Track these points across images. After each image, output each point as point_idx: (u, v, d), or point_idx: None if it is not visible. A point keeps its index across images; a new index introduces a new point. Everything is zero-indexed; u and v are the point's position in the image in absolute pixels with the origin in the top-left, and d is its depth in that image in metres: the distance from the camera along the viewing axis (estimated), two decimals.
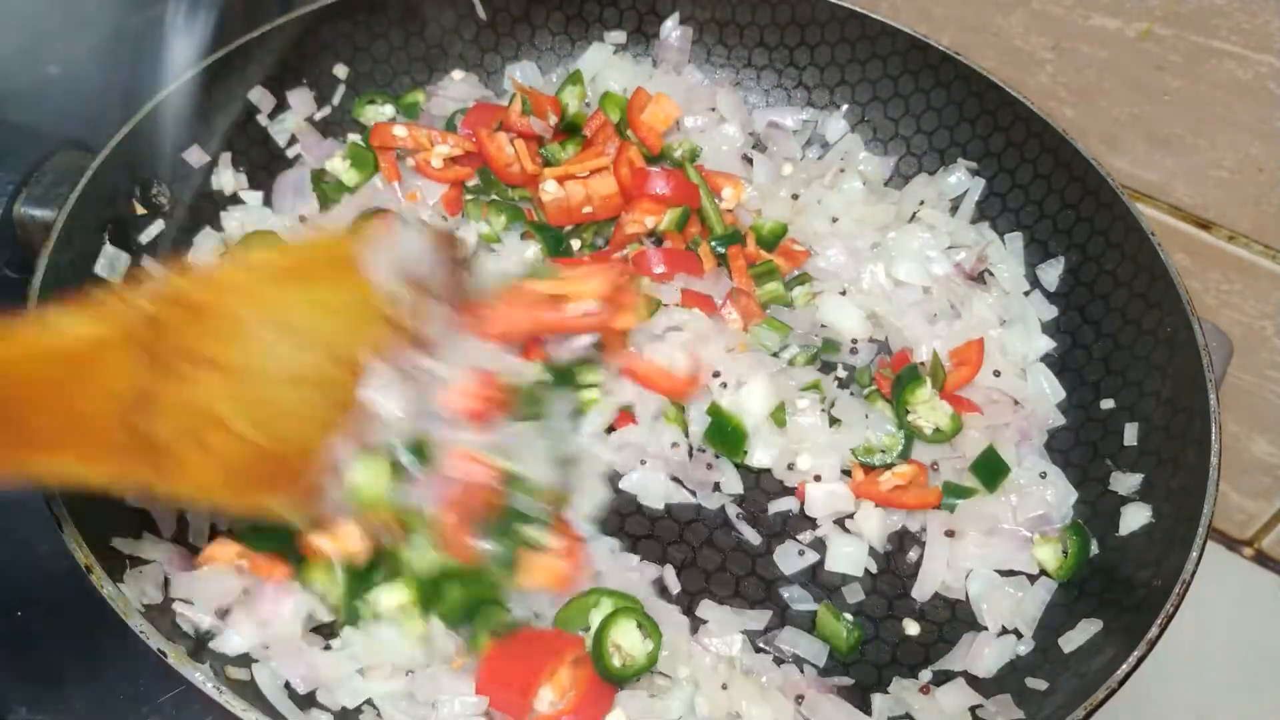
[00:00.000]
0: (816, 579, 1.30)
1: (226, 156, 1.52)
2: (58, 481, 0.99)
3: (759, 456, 1.34)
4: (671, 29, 1.74)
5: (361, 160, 1.57)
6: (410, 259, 1.16)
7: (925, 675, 1.22)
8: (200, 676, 0.98)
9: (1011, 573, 1.29)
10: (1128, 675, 1.07)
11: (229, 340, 1.03)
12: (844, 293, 1.51)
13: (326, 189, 1.56)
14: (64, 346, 0.94)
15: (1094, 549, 1.29)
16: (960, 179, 1.61)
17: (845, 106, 1.73)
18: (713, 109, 1.70)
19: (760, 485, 1.35)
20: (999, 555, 1.29)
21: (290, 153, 1.59)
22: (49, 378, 0.92)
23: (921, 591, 1.28)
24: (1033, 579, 1.29)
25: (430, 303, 1.18)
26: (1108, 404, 1.41)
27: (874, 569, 1.30)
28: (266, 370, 1.05)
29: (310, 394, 1.08)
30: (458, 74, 1.72)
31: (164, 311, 1.00)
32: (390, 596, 1.13)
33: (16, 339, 0.92)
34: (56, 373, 0.92)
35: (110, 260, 1.34)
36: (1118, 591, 1.23)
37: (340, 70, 1.64)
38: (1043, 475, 1.34)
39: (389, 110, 1.65)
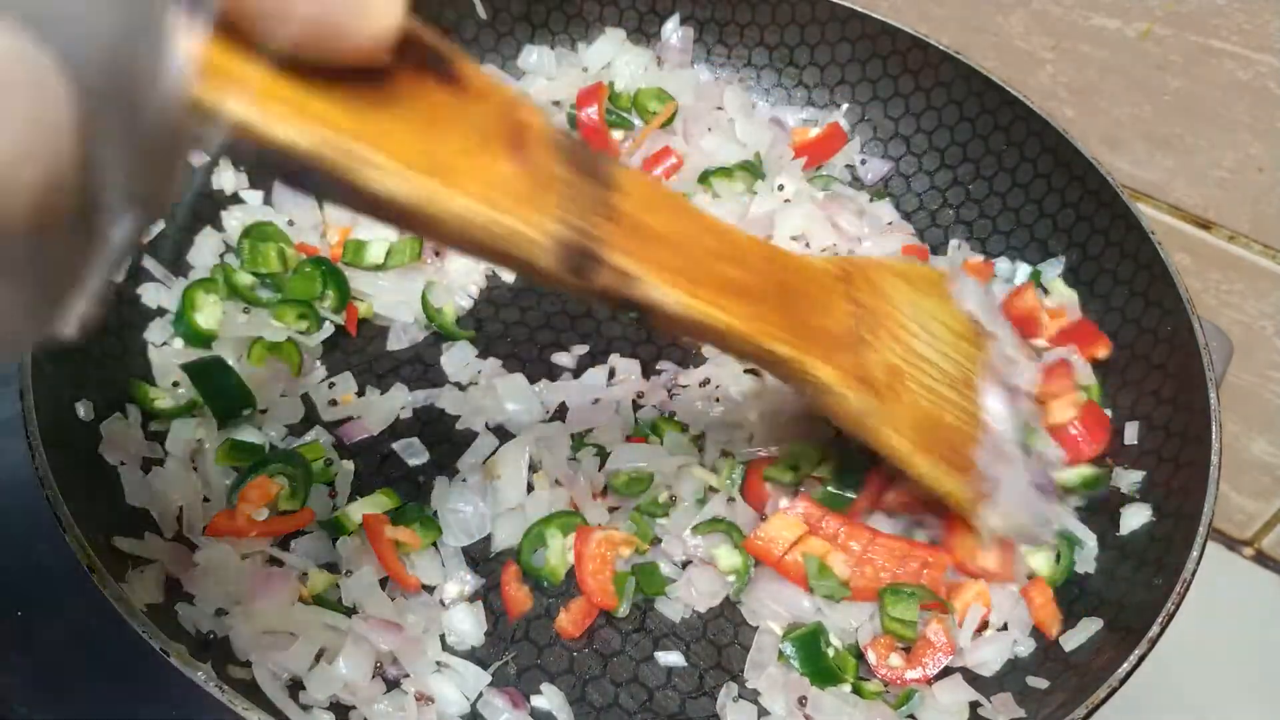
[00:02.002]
0: None
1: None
2: (811, 384, 1.05)
3: None
4: (672, 30, 1.74)
5: None
6: (977, 302, 1.33)
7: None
8: (202, 676, 0.98)
9: None
10: (1129, 674, 1.07)
11: (892, 317, 1.17)
12: None
13: None
14: (809, 269, 1.09)
15: (1095, 548, 1.29)
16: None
17: (845, 106, 1.73)
18: (719, 107, 1.70)
19: None
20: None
21: None
22: (809, 288, 1.07)
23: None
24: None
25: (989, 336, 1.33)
26: (1107, 402, 1.41)
27: None
28: (920, 351, 1.18)
29: (951, 388, 1.20)
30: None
31: (854, 277, 1.14)
32: None
33: (787, 255, 1.07)
34: (811, 286, 1.07)
35: None
36: (1118, 590, 1.23)
37: None
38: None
39: None
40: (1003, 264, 1.59)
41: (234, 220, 1.49)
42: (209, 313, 1.38)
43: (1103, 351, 1.42)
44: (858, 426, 1.09)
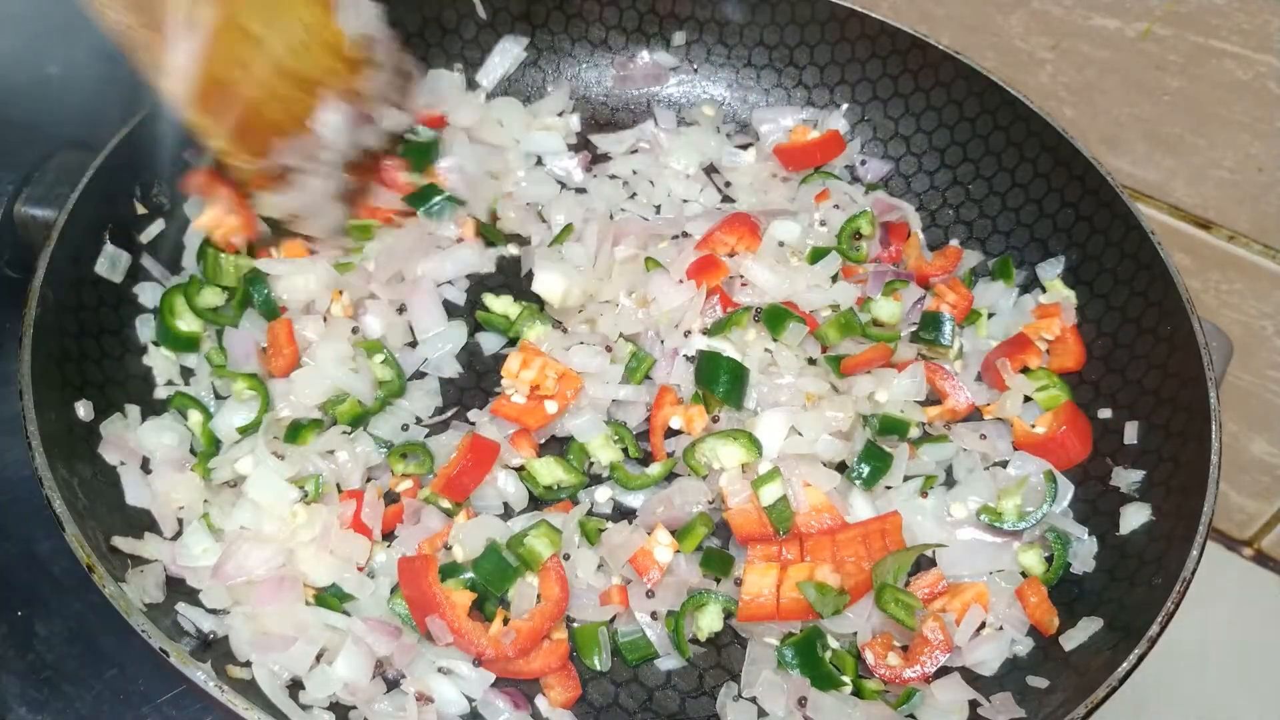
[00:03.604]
0: None
1: None
2: None
3: None
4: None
5: None
6: (370, 24, 1.38)
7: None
8: (202, 675, 0.98)
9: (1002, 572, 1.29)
10: (1128, 673, 1.07)
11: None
12: None
13: None
14: None
15: (1094, 548, 1.29)
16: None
17: (845, 106, 1.73)
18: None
19: None
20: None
21: None
22: None
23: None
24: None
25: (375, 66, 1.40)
26: (1107, 402, 1.41)
27: None
28: (252, 31, 1.23)
29: (283, 78, 1.28)
30: None
31: None
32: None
33: None
34: None
35: (111, 260, 1.34)
36: (1118, 590, 1.23)
37: None
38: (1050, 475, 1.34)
39: None
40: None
41: None
42: (189, 317, 1.38)
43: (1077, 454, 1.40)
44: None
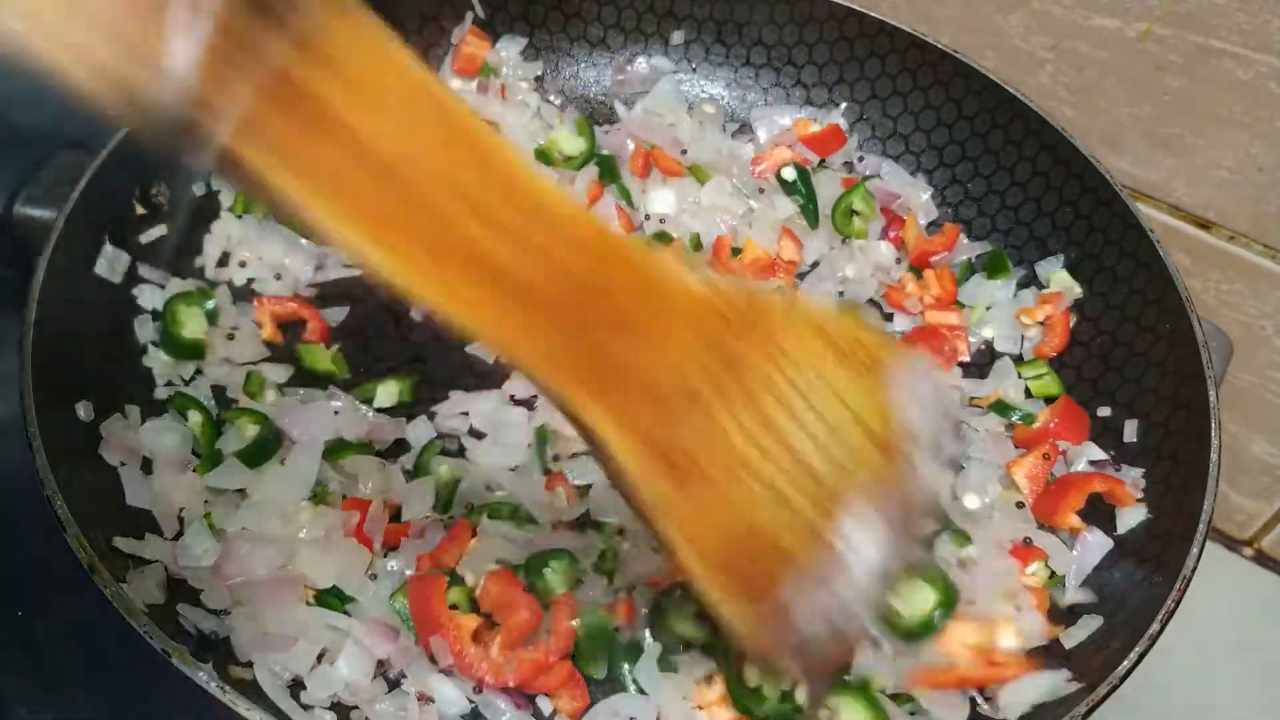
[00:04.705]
0: None
1: None
2: (590, 438, 0.78)
3: None
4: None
5: None
6: (930, 406, 0.92)
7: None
8: (204, 676, 0.98)
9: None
10: (1129, 671, 1.07)
11: (772, 385, 0.81)
12: None
13: None
14: (658, 281, 0.76)
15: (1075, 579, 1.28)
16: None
17: (844, 105, 1.73)
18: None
19: None
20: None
21: None
22: (643, 305, 0.75)
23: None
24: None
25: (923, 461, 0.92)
26: (1106, 400, 1.41)
27: None
28: (790, 440, 0.82)
29: (807, 497, 0.83)
30: None
31: (746, 320, 0.80)
32: None
33: (623, 246, 0.76)
34: (648, 303, 0.76)
35: (110, 261, 1.34)
36: (1118, 588, 1.23)
37: None
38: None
39: None
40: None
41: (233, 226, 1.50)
42: (194, 325, 1.37)
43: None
44: (640, 511, 0.81)
